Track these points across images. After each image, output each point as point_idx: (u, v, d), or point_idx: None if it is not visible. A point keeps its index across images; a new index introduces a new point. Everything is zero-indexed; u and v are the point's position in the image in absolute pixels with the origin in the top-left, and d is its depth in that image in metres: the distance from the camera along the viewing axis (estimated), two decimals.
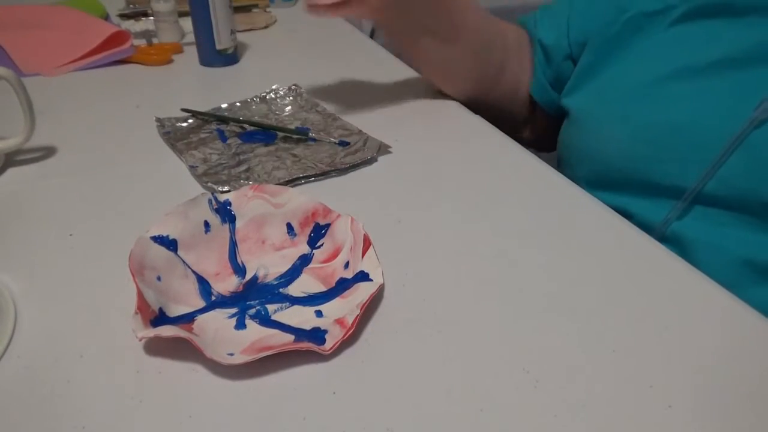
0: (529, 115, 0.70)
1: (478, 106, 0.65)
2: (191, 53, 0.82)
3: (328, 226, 0.43)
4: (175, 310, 0.37)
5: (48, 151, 0.57)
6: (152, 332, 0.33)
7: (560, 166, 0.61)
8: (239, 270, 0.41)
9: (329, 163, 0.54)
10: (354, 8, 0.54)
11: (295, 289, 0.40)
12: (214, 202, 0.42)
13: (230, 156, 0.56)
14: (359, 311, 0.35)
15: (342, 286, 0.39)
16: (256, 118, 0.64)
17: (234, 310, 0.38)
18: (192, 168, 0.53)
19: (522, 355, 0.35)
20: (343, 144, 0.58)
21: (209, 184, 0.51)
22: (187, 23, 0.83)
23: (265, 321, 0.37)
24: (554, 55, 0.64)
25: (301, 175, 0.52)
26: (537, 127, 0.71)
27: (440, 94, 0.70)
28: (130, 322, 0.34)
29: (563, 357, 0.35)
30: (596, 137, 0.55)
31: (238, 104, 0.66)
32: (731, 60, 0.47)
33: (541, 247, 0.44)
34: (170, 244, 0.39)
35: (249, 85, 0.72)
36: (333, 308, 0.38)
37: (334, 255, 0.41)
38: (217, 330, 0.36)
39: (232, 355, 0.33)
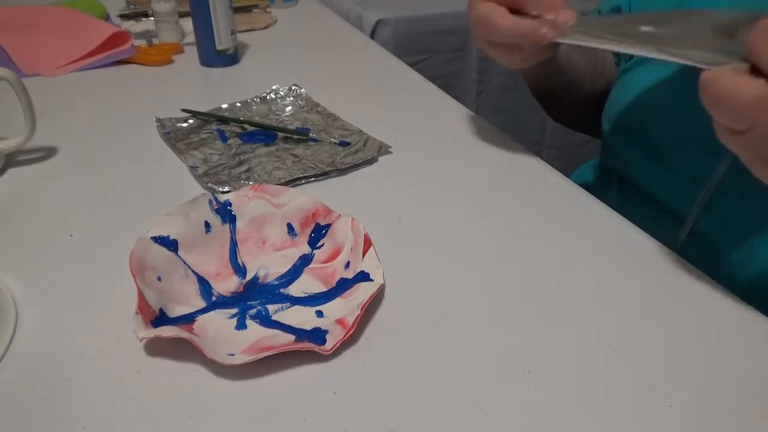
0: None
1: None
2: (191, 53, 0.82)
3: (328, 226, 0.43)
4: (176, 311, 0.37)
5: (48, 151, 0.57)
6: (153, 332, 0.33)
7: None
8: (240, 270, 0.41)
9: (329, 163, 0.54)
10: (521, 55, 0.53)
11: (295, 289, 0.40)
12: (214, 203, 0.42)
13: (230, 156, 0.56)
14: (360, 311, 0.35)
15: (342, 286, 0.39)
16: (256, 118, 0.64)
17: (234, 311, 0.38)
18: (192, 168, 0.53)
19: (522, 355, 0.35)
20: (344, 144, 0.58)
21: (210, 184, 0.51)
22: (187, 23, 0.83)
23: (266, 321, 0.37)
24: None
25: (301, 176, 0.52)
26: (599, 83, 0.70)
27: (440, 94, 0.70)
28: (130, 323, 0.34)
29: (563, 357, 0.35)
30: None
31: (238, 104, 0.66)
32: None
33: (541, 247, 0.44)
34: (171, 244, 0.39)
35: (249, 85, 0.72)
36: (333, 308, 0.38)
37: (335, 255, 0.41)
38: (218, 330, 0.36)
39: (232, 355, 0.33)
